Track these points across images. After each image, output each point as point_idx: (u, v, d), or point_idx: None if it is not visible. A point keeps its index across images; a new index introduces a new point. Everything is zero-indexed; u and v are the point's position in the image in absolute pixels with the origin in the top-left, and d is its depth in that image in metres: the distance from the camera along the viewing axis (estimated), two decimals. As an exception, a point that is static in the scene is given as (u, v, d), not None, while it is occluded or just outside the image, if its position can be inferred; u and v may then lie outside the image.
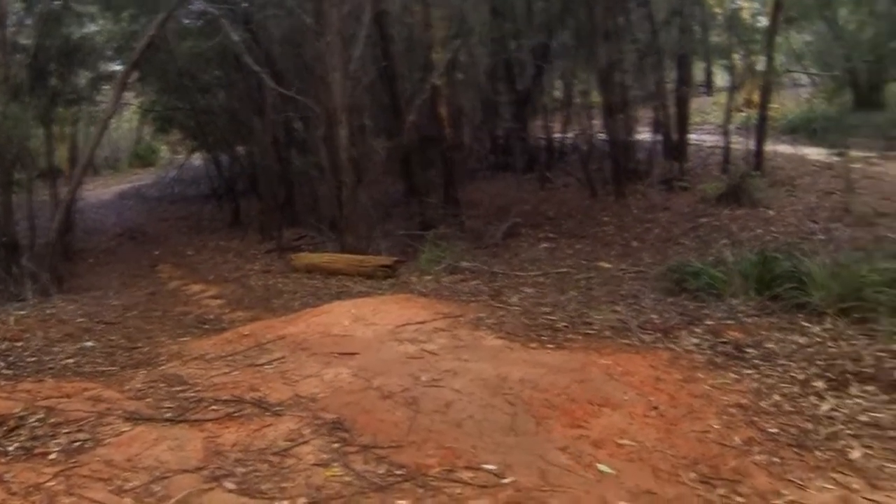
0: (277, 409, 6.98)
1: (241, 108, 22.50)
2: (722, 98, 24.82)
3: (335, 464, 5.97)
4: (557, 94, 26.80)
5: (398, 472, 5.85)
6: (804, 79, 30.49)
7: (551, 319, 10.69)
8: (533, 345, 9.41)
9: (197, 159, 30.88)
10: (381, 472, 5.87)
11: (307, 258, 16.54)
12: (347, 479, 5.76)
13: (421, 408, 6.92)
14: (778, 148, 23.44)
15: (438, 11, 20.81)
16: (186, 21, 22.20)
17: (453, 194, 20.89)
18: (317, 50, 17.15)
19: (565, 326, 10.29)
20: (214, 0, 18.80)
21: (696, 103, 29.87)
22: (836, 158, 20.55)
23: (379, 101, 21.56)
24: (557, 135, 25.06)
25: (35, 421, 6.87)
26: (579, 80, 24.71)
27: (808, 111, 26.76)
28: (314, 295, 13.97)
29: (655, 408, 7.37)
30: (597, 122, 23.08)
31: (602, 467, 6.17)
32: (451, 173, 21.25)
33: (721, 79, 33.21)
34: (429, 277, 14.68)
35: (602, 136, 22.37)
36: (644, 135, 23.60)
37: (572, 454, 6.34)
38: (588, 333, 10.00)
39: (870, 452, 6.63)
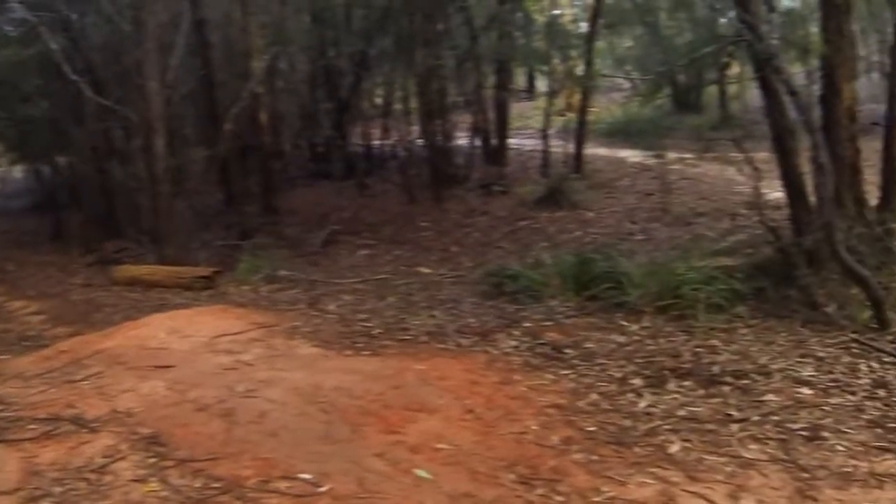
0: (94, 425, 6.87)
1: (62, 117, 22.02)
2: (543, 102, 25.14)
3: (152, 479, 5.93)
4: (378, 100, 26.87)
5: (215, 485, 5.84)
6: (626, 83, 31.12)
7: (367, 326, 10.86)
8: (348, 352, 9.59)
9: (19, 171, 30.05)
10: (197, 485, 5.85)
11: (127, 271, 16.27)
12: (164, 493, 5.74)
13: (236, 419, 6.91)
14: (598, 151, 23.84)
15: (258, 18, 20.76)
16: (7, 29, 21.66)
17: (272, 202, 20.85)
18: (136, 58, 16.97)
19: (381, 333, 10.47)
20: (34, 7, 18.45)
21: (518, 108, 30.03)
22: (654, 160, 20.98)
23: (200, 109, 21.39)
24: (377, 141, 25.08)
25: None
26: (398, 87, 24.84)
27: (628, 114, 27.27)
28: (134, 308, 13.72)
29: (472, 411, 7.51)
30: (416, 128, 23.27)
31: (420, 472, 6.26)
32: (270, 181, 21.24)
33: (543, 83, 33.66)
34: (247, 287, 14.62)
35: (421, 141, 22.55)
36: (463, 140, 23.74)
37: (389, 460, 6.42)
38: (404, 339, 10.20)
39: (688, 446, 6.91)
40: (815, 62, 12.87)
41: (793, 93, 10.59)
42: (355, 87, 24.25)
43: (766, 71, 10.76)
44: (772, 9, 13.07)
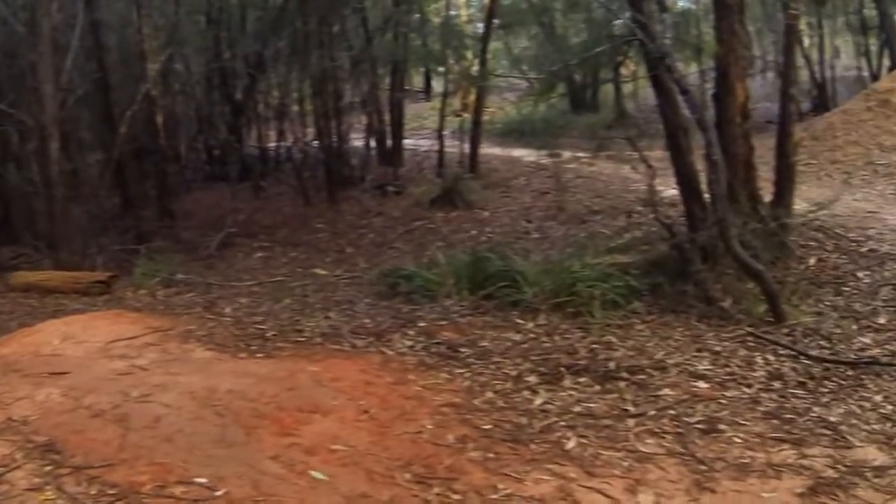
0: (-10, 434, 6.76)
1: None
2: (439, 103, 25.20)
3: (48, 487, 5.87)
4: (274, 102, 26.81)
5: (111, 492, 5.81)
6: (523, 83, 31.41)
7: (262, 329, 10.85)
8: (242, 355, 9.59)
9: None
10: (93, 492, 5.81)
11: (24, 277, 15.94)
12: (60, 502, 5.71)
13: (131, 424, 6.88)
14: (493, 150, 24.05)
15: (152, 20, 20.67)
16: None
17: (169, 206, 20.69)
18: (30, 60, 16.81)
19: (275, 335, 10.46)
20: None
21: (414, 109, 30.18)
22: (549, 159, 21.16)
23: (95, 112, 21.21)
24: (273, 143, 24.97)
25: None
26: (294, 88, 24.79)
27: (522, 114, 27.36)
28: (31, 315, 13.48)
29: (367, 411, 7.61)
30: (312, 130, 23.28)
31: (315, 474, 6.35)
32: (166, 185, 21.11)
33: (440, 84, 33.87)
34: (144, 291, 14.43)
35: (317, 143, 22.55)
36: (359, 141, 23.75)
37: (284, 462, 6.49)
38: (299, 341, 10.22)
39: (585, 441, 7.11)
40: (709, 61, 13.23)
41: (685, 91, 10.89)
42: (250, 88, 24.12)
43: (659, 70, 11.01)
44: (664, 9, 13.36)
